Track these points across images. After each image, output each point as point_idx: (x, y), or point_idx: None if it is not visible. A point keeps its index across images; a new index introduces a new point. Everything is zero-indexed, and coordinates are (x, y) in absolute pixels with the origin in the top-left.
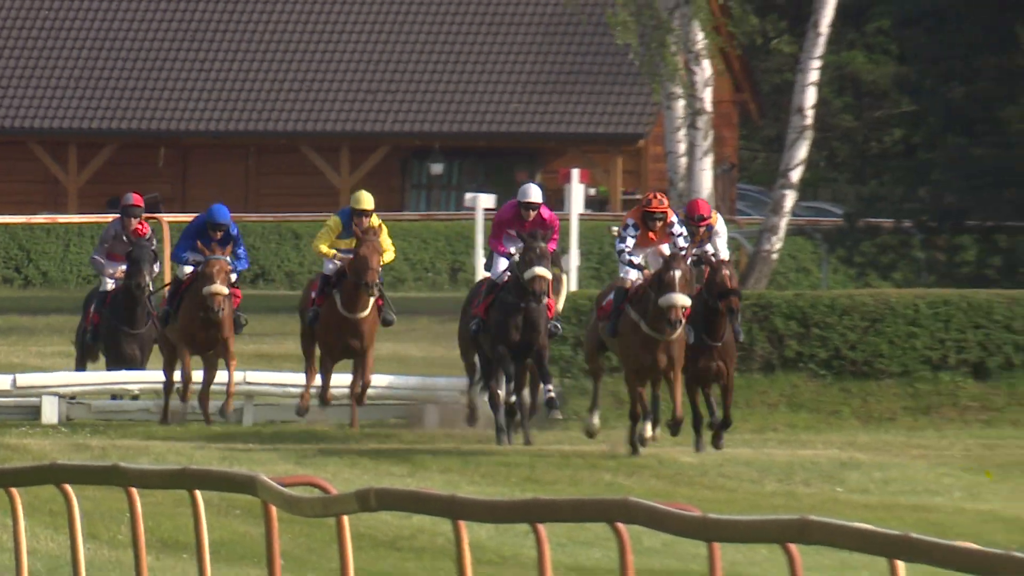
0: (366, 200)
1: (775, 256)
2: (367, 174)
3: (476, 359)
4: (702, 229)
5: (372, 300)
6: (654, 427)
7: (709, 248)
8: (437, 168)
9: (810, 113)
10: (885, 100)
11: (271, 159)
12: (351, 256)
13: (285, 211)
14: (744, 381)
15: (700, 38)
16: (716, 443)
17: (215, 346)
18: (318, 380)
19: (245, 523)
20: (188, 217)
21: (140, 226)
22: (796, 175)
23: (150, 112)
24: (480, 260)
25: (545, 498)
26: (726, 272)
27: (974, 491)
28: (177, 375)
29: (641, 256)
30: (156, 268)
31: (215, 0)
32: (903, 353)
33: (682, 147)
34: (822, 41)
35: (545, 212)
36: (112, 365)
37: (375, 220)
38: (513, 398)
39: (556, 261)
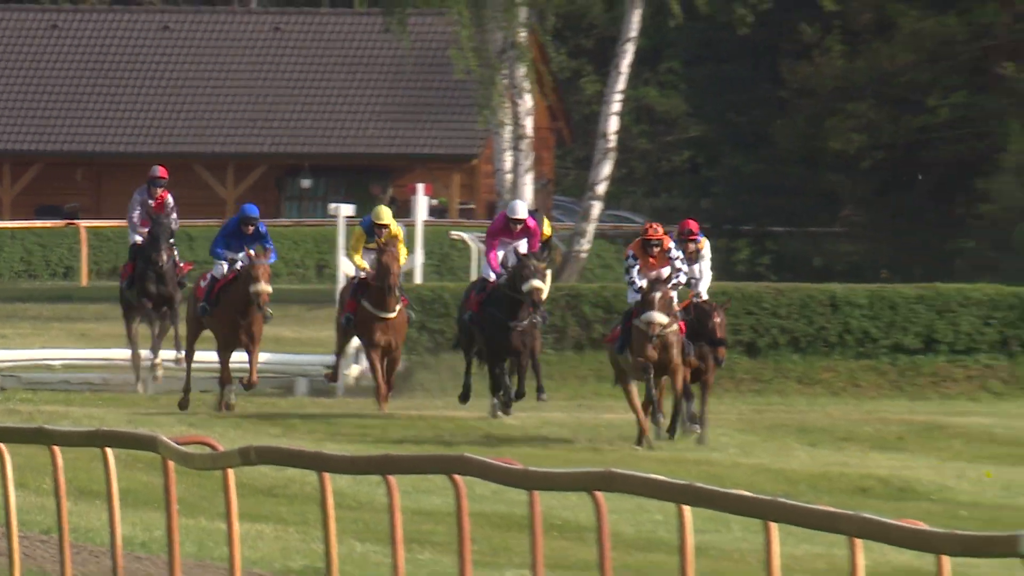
0: (385, 215)
1: (584, 255)
2: (248, 188)
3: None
4: (690, 246)
5: (399, 302)
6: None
7: (696, 269)
8: (306, 183)
9: (613, 137)
10: (675, 127)
11: (169, 175)
12: (375, 265)
13: (180, 219)
14: (558, 358)
15: (523, 77)
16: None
17: (251, 336)
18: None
19: (148, 474)
20: (103, 223)
21: (162, 194)
22: (601, 189)
23: (71, 135)
24: (341, 259)
25: (395, 454)
26: (717, 320)
27: (747, 448)
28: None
29: (645, 280)
30: (173, 240)
31: (124, 44)
32: None
33: (508, 165)
34: (623, 79)
35: (530, 222)
36: (132, 317)
37: (394, 229)
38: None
39: (540, 257)
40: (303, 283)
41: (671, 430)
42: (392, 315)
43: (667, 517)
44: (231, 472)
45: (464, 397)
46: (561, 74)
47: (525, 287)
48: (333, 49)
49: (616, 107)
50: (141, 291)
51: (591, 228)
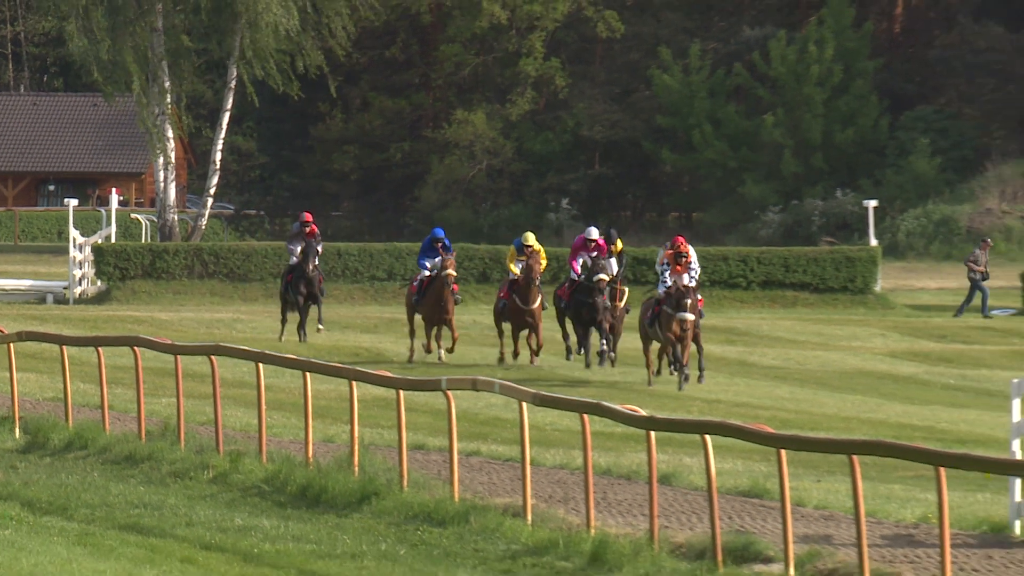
0: (531, 238)
1: (203, 227)
2: (21, 191)
3: (566, 323)
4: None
5: (540, 296)
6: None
7: (686, 278)
8: (51, 187)
9: (218, 163)
10: (251, 156)
11: None
12: (524, 268)
13: None
14: None
15: (170, 130)
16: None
17: (447, 317)
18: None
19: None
20: None
21: (312, 230)
22: (212, 190)
23: None
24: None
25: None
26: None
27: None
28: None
29: (672, 280)
30: (320, 252)
31: None
32: None
33: (161, 177)
34: (223, 131)
35: (601, 241)
36: (294, 305)
37: (536, 245)
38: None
39: (619, 274)
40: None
41: (682, 377)
42: (535, 306)
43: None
44: None
45: (568, 354)
46: (189, 127)
47: (595, 278)
48: (67, 112)
49: (220, 145)
50: (295, 290)
51: (207, 212)
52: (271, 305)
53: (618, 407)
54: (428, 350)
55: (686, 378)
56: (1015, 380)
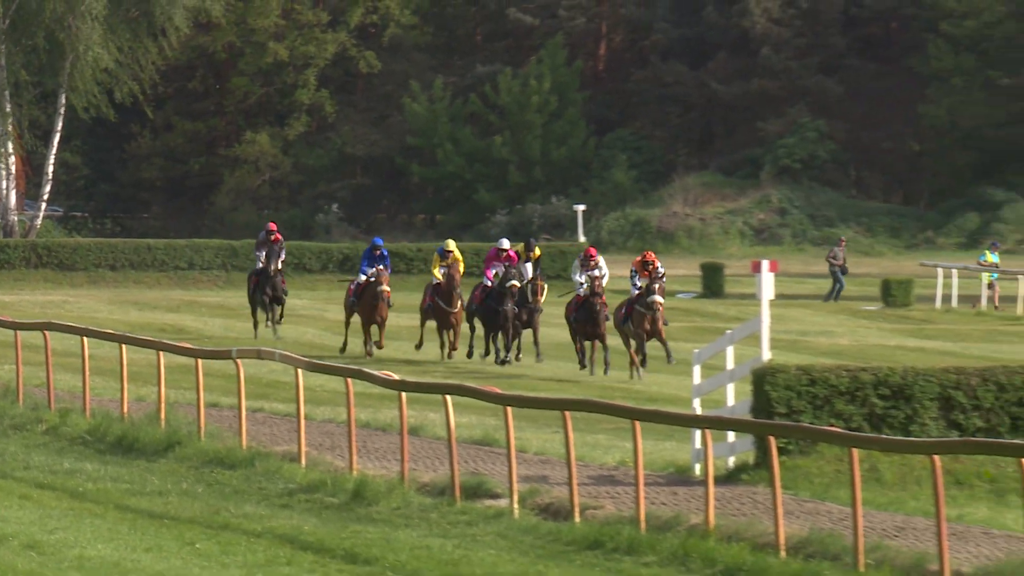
0: (452, 245)
1: (39, 224)
2: None
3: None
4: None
5: (460, 300)
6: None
7: (657, 285)
8: None
9: (51, 173)
10: (77, 171)
11: None
12: (446, 275)
13: None
14: None
15: (10, 147)
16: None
17: (380, 319)
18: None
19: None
20: None
21: (275, 237)
22: (46, 196)
23: None
24: None
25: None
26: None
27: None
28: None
29: (641, 282)
30: (282, 258)
31: None
32: None
33: (3, 187)
34: (55, 144)
35: (511, 252)
36: (271, 304)
37: (456, 253)
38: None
39: (536, 275)
40: None
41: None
42: (456, 309)
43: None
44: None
45: (470, 354)
46: (28, 145)
47: (508, 283)
48: None
49: (52, 160)
50: (261, 291)
51: (41, 214)
52: (94, 289)
53: (376, 372)
54: (368, 350)
55: (643, 361)
56: (696, 350)
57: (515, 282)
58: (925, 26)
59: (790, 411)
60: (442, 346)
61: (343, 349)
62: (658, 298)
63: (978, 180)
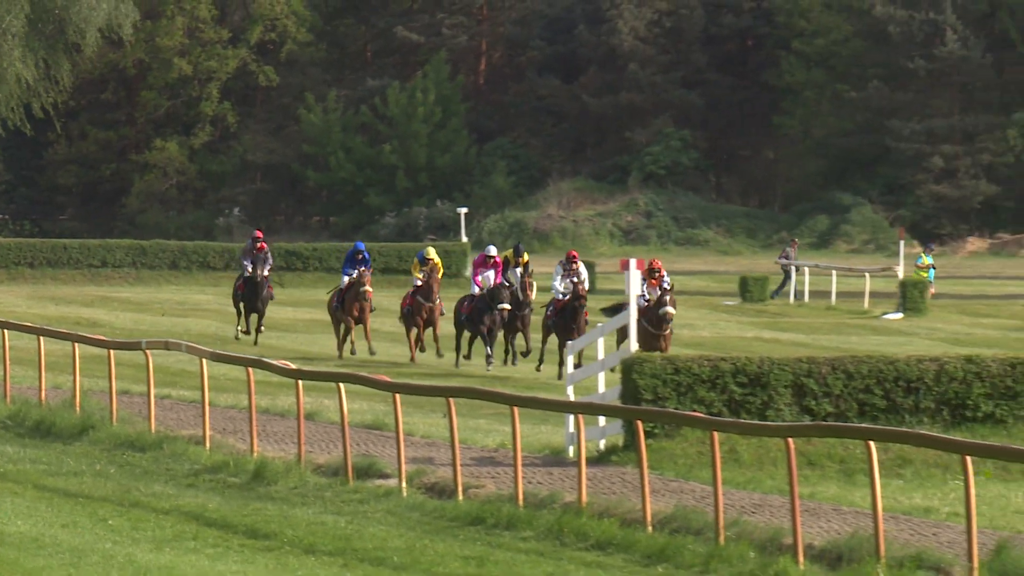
0: (432, 252)
1: None
2: None
3: (464, 332)
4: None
5: (439, 300)
6: None
7: (668, 297)
8: None
9: None
10: None
11: None
12: (426, 286)
13: None
14: None
15: None
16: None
17: (363, 319)
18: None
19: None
20: None
21: (261, 246)
22: None
23: None
24: None
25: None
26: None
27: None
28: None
29: (649, 292)
30: (268, 266)
31: None
32: None
33: None
34: None
35: (498, 259)
36: (248, 311)
37: (436, 259)
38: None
39: (523, 280)
40: None
41: None
42: (433, 304)
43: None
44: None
45: (457, 363)
46: None
47: (499, 305)
48: None
49: None
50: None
51: None
52: (14, 286)
53: (275, 362)
54: (341, 353)
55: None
56: (569, 342)
57: (506, 305)
58: (779, 44)
59: (656, 398)
60: (417, 341)
61: (340, 355)
62: (670, 309)
63: (828, 185)
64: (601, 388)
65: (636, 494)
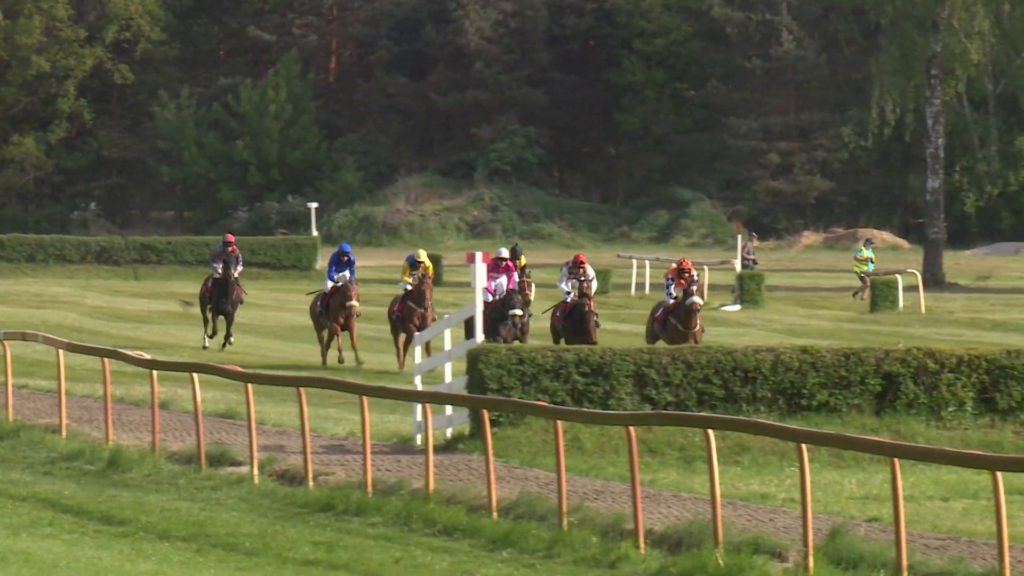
0: (423, 255)
1: None
2: None
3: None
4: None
5: (431, 307)
6: None
7: (694, 288)
8: None
9: None
10: None
11: None
12: (417, 291)
13: None
14: None
15: None
16: None
17: (349, 325)
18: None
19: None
20: None
21: (232, 248)
22: None
23: None
24: None
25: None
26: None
27: None
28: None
29: (676, 291)
30: (240, 267)
31: None
32: None
33: None
34: None
35: (510, 262)
36: (216, 314)
37: (427, 262)
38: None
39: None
40: None
41: None
42: (424, 310)
43: None
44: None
45: None
46: None
47: (511, 311)
48: None
49: None
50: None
51: None
52: None
53: (130, 352)
54: (326, 361)
55: None
56: (417, 333)
57: (518, 311)
58: (620, 43)
59: (501, 387)
60: (406, 347)
61: (324, 363)
62: (697, 299)
63: (668, 181)
64: (448, 377)
65: (482, 481)
